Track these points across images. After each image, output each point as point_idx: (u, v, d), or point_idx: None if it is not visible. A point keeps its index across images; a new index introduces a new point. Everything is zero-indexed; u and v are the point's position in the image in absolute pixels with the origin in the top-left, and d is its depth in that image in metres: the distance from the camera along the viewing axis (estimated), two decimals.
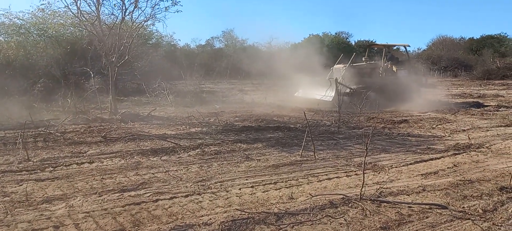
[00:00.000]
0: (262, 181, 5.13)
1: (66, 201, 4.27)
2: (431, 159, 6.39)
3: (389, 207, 4.13)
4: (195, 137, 8.03)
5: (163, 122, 10.16)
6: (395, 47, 17.83)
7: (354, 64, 15.65)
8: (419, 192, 4.70)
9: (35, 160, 6.00)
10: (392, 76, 15.55)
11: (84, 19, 10.80)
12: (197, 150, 6.86)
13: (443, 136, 8.50)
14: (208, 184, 4.95)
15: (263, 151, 6.93)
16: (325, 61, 17.49)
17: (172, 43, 32.86)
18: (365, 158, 4.75)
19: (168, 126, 9.41)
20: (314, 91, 14.40)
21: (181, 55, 32.66)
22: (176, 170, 5.59)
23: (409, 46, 17.90)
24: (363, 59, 16.70)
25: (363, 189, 4.42)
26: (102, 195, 4.45)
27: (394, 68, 15.96)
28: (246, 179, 5.19)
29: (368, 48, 17.80)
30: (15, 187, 4.73)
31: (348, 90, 13.97)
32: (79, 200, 4.28)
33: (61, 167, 5.69)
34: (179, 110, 12.37)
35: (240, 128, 9.30)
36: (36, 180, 5.03)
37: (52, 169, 5.58)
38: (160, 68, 19.89)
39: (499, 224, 3.75)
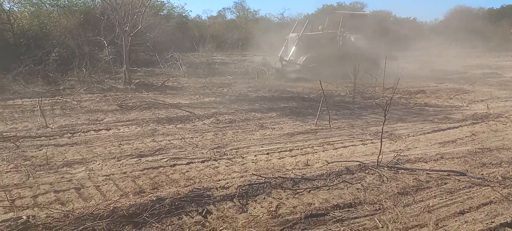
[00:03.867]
0: (277, 148, 5.13)
1: (85, 165, 4.34)
2: (449, 128, 6.31)
3: (407, 174, 4.11)
4: (209, 106, 8.04)
5: (177, 91, 10.18)
6: (356, 16, 17.10)
7: (308, 34, 15.21)
8: (437, 159, 4.66)
9: (53, 127, 6.08)
10: (348, 46, 14.64)
11: None
12: (211, 119, 6.87)
13: (461, 106, 8.38)
14: (224, 150, 4.97)
15: (277, 120, 6.92)
16: None
17: (183, 14, 32.50)
18: (383, 124, 4.69)
19: (181, 96, 9.43)
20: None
21: (193, 27, 32.38)
22: (191, 137, 5.62)
23: (369, 14, 17.22)
24: (320, 27, 15.87)
25: (380, 156, 4.39)
26: (120, 160, 4.51)
27: (352, 38, 15.23)
28: (261, 146, 5.19)
29: (328, 17, 16.99)
30: (35, 151, 4.81)
31: (297, 66, 13.83)
32: (98, 164, 4.34)
33: (79, 133, 5.76)
34: (192, 81, 12.36)
35: (253, 97, 9.27)
36: (55, 145, 5.11)
37: (70, 135, 5.66)
38: (172, 40, 19.76)
39: None
